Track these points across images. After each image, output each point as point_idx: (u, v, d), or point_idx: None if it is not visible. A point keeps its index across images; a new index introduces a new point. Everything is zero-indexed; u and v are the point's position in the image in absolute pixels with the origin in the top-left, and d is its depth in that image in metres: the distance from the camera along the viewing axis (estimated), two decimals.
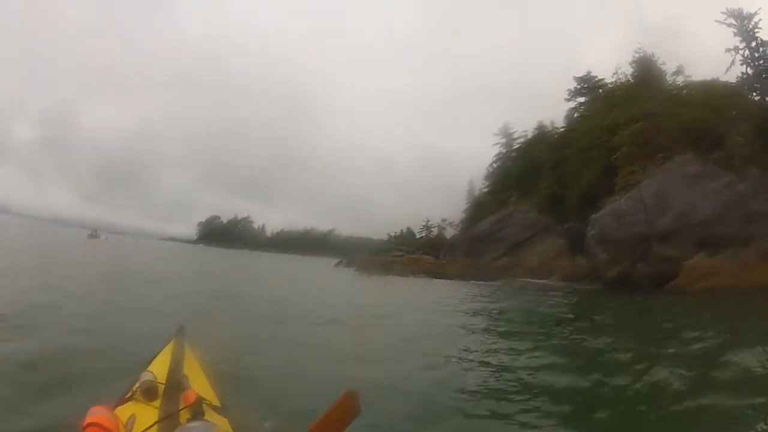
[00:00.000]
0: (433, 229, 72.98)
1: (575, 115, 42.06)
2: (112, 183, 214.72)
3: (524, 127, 53.84)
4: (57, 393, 4.10)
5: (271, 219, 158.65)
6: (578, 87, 41.16)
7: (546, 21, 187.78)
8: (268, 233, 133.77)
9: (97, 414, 2.28)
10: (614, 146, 30.54)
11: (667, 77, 34.34)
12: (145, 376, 2.97)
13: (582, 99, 40.97)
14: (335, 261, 58.95)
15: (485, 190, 56.07)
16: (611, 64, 42.68)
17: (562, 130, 45.53)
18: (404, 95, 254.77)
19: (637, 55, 37.04)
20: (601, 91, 39.45)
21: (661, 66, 34.59)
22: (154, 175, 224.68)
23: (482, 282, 28.13)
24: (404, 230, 76.59)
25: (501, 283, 27.47)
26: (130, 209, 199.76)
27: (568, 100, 41.92)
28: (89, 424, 2.19)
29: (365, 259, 43.63)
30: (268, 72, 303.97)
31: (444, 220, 67.57)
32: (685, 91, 31.71)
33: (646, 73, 34.52)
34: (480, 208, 52.84)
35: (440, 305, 15.62)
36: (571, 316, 14.50)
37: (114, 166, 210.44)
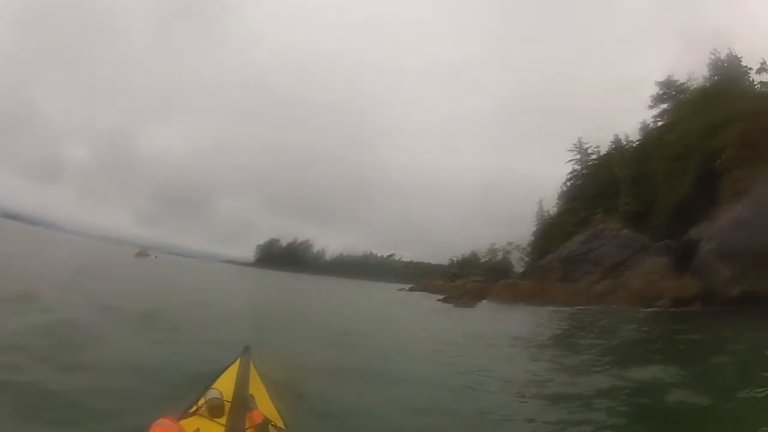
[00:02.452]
0: (498, 252, 71.30)
1: (657, 123, 40.00)
2: (170, 205, 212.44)
3: (593, 144, 52.39)
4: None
5: (330, 243, 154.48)
6: (661, 93, 39.12)
7: (592, 39, 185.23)
8: (328, 257, 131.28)
9: (163, 425, 2.28)
10: (713, 151, 28.74)
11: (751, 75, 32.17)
12: (212, 393, 2.98)
13: (664, 106, 38.85)
14: (403, 286, 58.61)
15: (557, 209, 54.40)
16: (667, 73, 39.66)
17: (638, 142, 43.69)
18: (460, 121, 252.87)
19: (713, 57, 35.27)
20: (682, 96, 37.48)
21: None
22: (212, 197, 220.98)
23: (595, 308, 26.37)
24: (467, 255, 75.41)
25: (646, 314, 24.27)
26: (189, 232, 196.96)
27: (651, 106, 39.94)
28: None
29: (447, 285, 42.15)
30: (325, 95, 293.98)
31: (510, 243, 65.79)
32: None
33: (732, 71, 32.47)
34: (552, 229, 51.14)
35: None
36: None
37: (172, 188, 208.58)
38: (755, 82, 31.12)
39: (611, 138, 48.59)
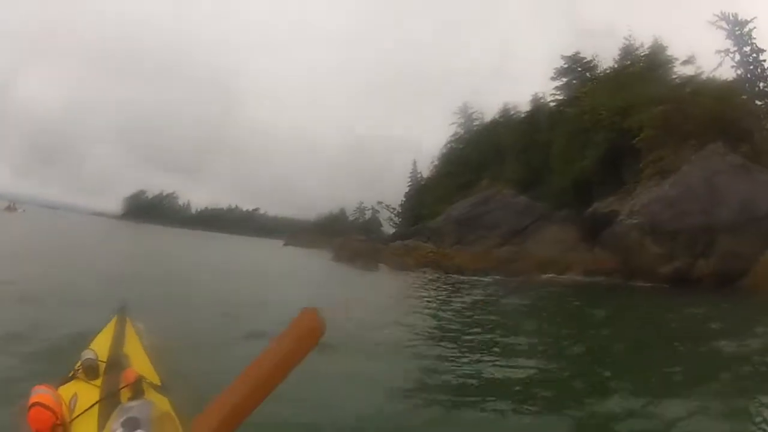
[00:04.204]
0: (367, 211, 69.72)
1: (554, 96, 39.91)
2: (43, 156, 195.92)
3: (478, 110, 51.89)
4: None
5: (195, 196, 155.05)
6: (565, 66, 38.79)
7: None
8: (193, 210, 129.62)
9: (40, 393, 2.25)
10: (627, 129, 28.65)
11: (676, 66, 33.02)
12: (87, 354, 2.84)
13: (565, 79, 38.68)
14: (276, 242, 58.35)
15: (433, 172, 53.03)
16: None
17: (527, 113, 43.54)
18: (333, 80, 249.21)
19: (626, 42, 35.85)
20: (588, 74, 37.64)
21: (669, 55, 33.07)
22: (83, 149, 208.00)
23: (516, 279, 24.40)
24: (334, 211, 72.82)
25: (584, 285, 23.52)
26: (59, 183, 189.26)
27: (554, 78, 39.49)
28: (33, 404, 2.15)
29: (334, 243, 37.57)
30: (196, 50, 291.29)
31: (380, 203, 63.84)
32: (689, 85, 30.41)
33: (656, 58, 32.98)
34: (428, 191, 49.81)
35: None
36: None
37: (46, 139, 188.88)
38: (676, 74, 31.79)
39: (497, 107, 48.18)
